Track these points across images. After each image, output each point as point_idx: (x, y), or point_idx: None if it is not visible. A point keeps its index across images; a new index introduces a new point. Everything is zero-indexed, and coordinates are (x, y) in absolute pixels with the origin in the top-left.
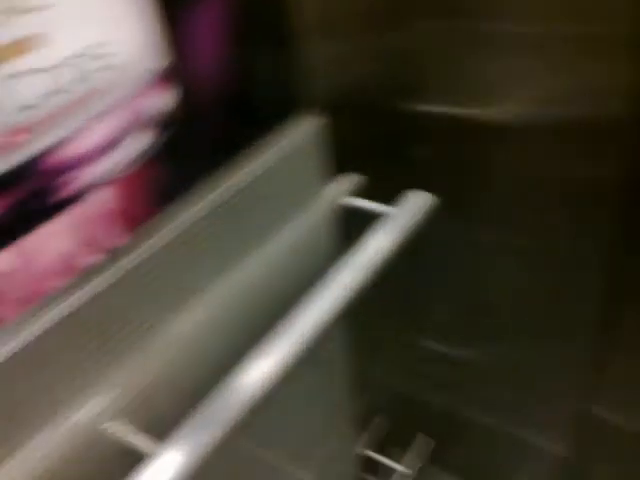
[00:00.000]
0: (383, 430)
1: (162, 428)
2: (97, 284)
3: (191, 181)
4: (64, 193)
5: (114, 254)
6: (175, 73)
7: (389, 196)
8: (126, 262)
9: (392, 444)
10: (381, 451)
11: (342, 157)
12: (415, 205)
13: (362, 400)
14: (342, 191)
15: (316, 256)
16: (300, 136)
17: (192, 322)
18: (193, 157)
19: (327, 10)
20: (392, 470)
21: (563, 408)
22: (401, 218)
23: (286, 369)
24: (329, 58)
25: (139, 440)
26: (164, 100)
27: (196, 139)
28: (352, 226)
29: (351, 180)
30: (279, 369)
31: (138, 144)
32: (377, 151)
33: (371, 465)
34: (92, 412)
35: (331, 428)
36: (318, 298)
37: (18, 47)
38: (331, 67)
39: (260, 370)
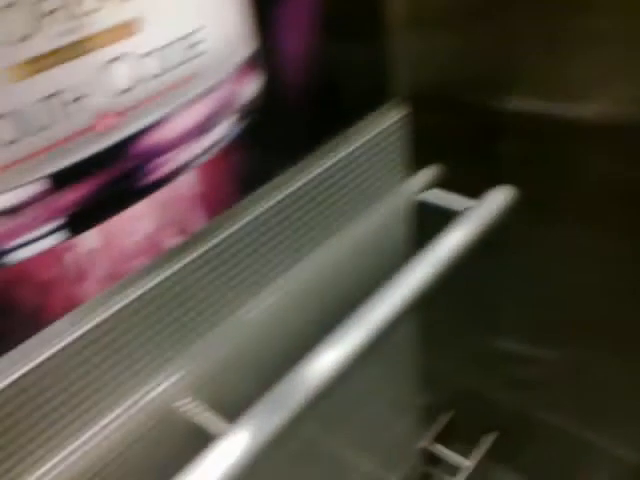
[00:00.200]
0: (449, 425)
1: (231, 409)
2: (176, 266)
3: (273, 168)
4: (153, 176)
5: (195, 237)
6: (263, 60)
7: (470, 191)
8: (206, 245)
9: (457, 439)
10: (445, 446)
11: (424, 150)
12: (496, 201)
13: (429, 394)
14: (422, 184)
15: (393, 248)
16: (384, 127)
17: (265, 307)
18: (277, 144)
19: (418, 1)
20: (456, 465)
21: (637, 413)
22: (482, 213)
23: (356, 360)
24: (417, 49)
25: (209, 420)
26: (252, 87)
27: (281, 127)
28: (431, 219)
29: (432, 173)
30: (349, 359)
31: (225, 130)
32: (460, 146)
33: (434, 459)
34: (164, 390)
35: (396, 420)
36: (392, 290)
37: (118, 32)
38: (418, 59)
39: (330, 359)
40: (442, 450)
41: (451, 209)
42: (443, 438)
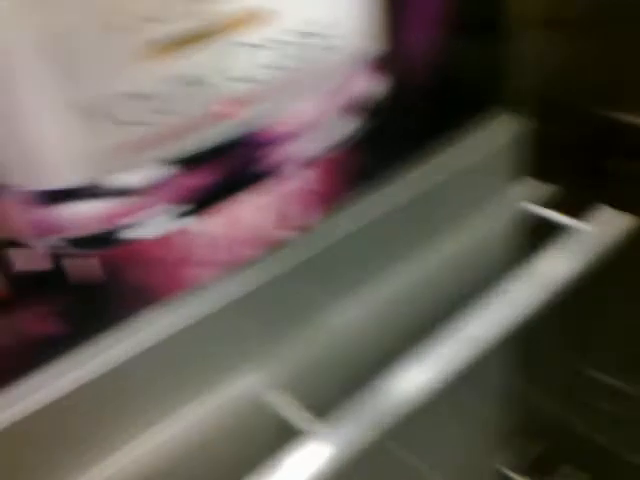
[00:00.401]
0: (530, 454)
1: (318, 408)
2: (285, 260)
3: (384, 169)
4: (268, 167)
5: (304, 233)
6: (388, 60)
7: (579, 209)
8: (313, 243)
9: (538, 470)
10: (525, 475)
11: (534, 162)
12: (612, 225)
13: (513, 419)
14: (530, 197)
15: (493, 260)
16: (497, 135)
17: (361, 311)
18: (391, 146)
19: (549, 6)
20: None
21: None
22: (595, 237)
23: (450, 376)
24: (542, 57)
25: (298, 415)
26: (374, 87)
27: (396, 128)
28: (536, 235)
29: (540, 187)
30: (443, 375)
31: (343, 128)
32: (573, 160)
33: None
34: (255, 381)
35: (477, 442)
36: (491, 309)
37: (248, 18)
38: (542, 66)
39: (423, 373)
40: (521, 478)
41: (557, 227)
42: (524, 466)
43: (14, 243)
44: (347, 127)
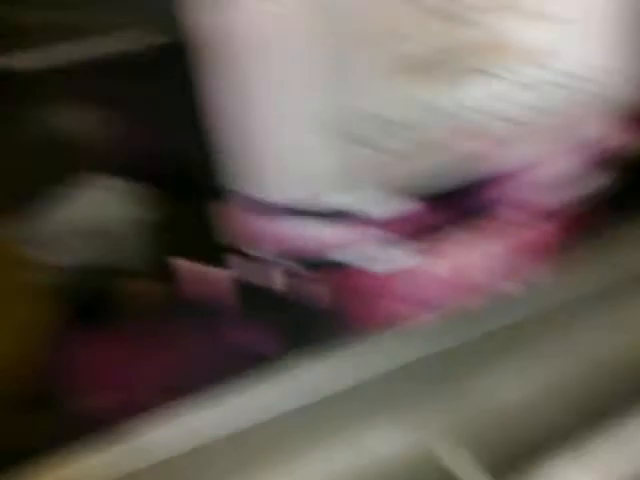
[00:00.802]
0: None
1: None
2: (504, 316)
3: (622, 232)
4: (507, 214)
5: (532, 289)
6: None
7: None
8: (538, 302)
9: None
10: None
11: None
12: None
13: None
14: None
15: None
16: None
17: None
18: (635, 208)
19: None
20: None
21: None
22: None
23: None
24: None
25: (469, 475)
26: (629, 141)
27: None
28: None
29: None
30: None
31: (589, 182)
32: None
33: None
34: (425, 431)
35: None
36: None
37: (516, 54)
38: None
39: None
40: None
41: None
42: None
43: (235, 251)
44: (594, 181)
